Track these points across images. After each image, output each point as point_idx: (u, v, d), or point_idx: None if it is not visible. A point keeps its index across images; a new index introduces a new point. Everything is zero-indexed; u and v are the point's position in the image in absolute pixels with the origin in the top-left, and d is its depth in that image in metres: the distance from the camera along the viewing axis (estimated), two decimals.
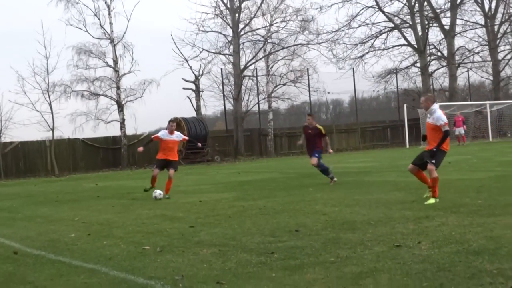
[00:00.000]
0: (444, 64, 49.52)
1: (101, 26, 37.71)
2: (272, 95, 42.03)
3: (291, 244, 7.09)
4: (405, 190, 11.85)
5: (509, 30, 51.10)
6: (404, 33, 48.27)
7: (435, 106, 10.37)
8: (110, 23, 37.72)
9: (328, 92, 44.80)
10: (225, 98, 41.67)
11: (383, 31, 48.59)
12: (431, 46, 49.60)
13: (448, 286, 4.89)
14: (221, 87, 41.63)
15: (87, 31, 37.64)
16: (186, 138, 15.48)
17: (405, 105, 42.61)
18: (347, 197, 11.78)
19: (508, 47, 51.69)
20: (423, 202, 10.15)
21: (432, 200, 10.08)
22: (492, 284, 4.85)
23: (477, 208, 9.06)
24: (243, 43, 42.13)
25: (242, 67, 41.20)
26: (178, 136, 14.51)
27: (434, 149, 10.12)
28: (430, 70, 49.07)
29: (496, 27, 50.33)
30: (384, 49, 48.76)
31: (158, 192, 13.69)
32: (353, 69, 47.29)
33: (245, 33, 42.10)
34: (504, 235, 6.82)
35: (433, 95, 10.98)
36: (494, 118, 44.04)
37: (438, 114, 10.24)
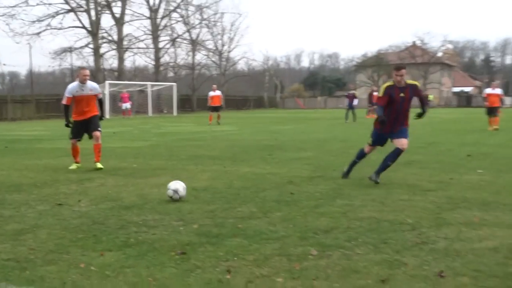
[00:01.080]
0: (114, 47, 50.01)
1: None
2: None
3: None
4: (70, 156, 11.63)
5: (168, 23, 53.90)
6: (79, 16, 47.31)
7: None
8: None
9: (4, 64, 41.42)
10: None
11: (59, 12, 46.75)
12: (104, 31, 49.55)
13: (100, 236, 5.01)
14: None
15: None
16: None
17: (107, 82, 40.95)
18: (16, 162, 11.07)
19: (167, 38, 54.56)
20: (92, 166, 9.72)
21: (99, 165, 9.64)
22: (137, 233, 5.12)
23: (133, 171, 9.41)
24: None
25: None
26: None
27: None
28: (101, 52, 49.07)
29: (158, 20, 52.52)
30: (60, 29, 47.06)
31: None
32: (30, 44, 44.60)
33: None
34: (151, 192, 7.24)
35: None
36: (154, 97, 46.05)
37: (94, 85, 9.98)
